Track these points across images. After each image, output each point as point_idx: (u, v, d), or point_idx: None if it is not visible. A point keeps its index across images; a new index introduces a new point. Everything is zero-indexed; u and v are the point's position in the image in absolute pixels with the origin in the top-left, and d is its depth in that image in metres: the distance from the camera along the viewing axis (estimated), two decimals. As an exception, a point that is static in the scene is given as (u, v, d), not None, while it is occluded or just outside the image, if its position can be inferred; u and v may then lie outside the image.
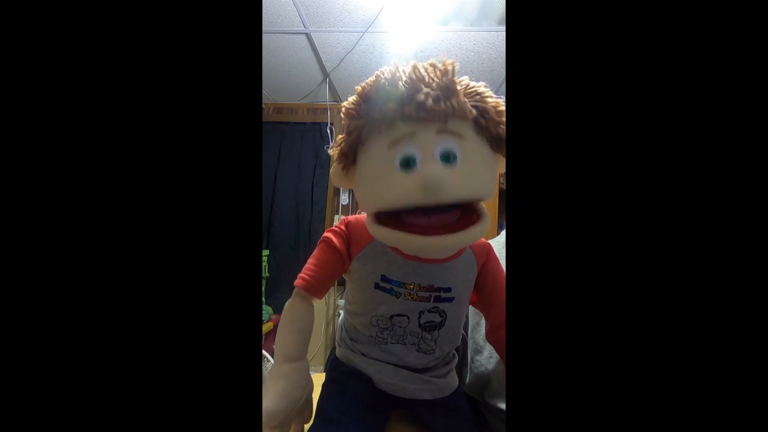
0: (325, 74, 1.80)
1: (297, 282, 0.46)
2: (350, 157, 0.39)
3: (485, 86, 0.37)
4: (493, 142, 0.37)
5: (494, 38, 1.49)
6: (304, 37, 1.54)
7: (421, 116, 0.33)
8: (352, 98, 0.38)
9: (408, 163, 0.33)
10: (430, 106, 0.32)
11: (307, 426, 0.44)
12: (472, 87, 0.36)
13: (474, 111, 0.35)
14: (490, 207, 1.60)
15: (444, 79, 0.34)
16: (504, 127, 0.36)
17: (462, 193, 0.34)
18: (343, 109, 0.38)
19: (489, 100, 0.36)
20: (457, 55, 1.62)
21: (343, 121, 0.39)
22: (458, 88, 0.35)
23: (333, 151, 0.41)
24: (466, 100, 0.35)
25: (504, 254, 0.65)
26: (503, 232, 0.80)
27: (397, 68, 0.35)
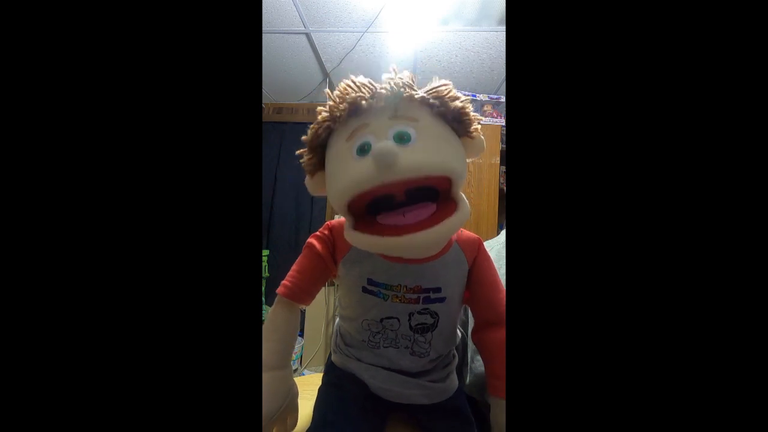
0: (325, 74, 1.80)
1: (279, 290, 0.46)
2: (315, 162, 0.40)
3: (438, 80, 0.38)
4: (455, 125, 0.38)
5: (494, 38, 1.49)
6: (304, 37, 1.54)
7: (371, 107, 0.35)
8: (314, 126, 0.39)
9: (364, 149, 0.34)
10: (378, 91, 0.35)
11: None
12: (431, 87, 0.37)
13: (423, 94, 0.36)
14: (490, 207, 1.60)
15: (393, 80, 0.36)
16: (460, 105, 0.37)
17: (419, 165, 0.33)
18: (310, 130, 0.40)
19: (441, 89, 0.37)
20: (457, 55, 1.62)
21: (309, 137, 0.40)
22: (411, 82, 0.36)
23: (304, 164, 0.41)
24: (420, 91, 0.36)
25: (504, 254, 0.65)
26: (503, 232, 0.80)
27: (349, 82, 0.37)
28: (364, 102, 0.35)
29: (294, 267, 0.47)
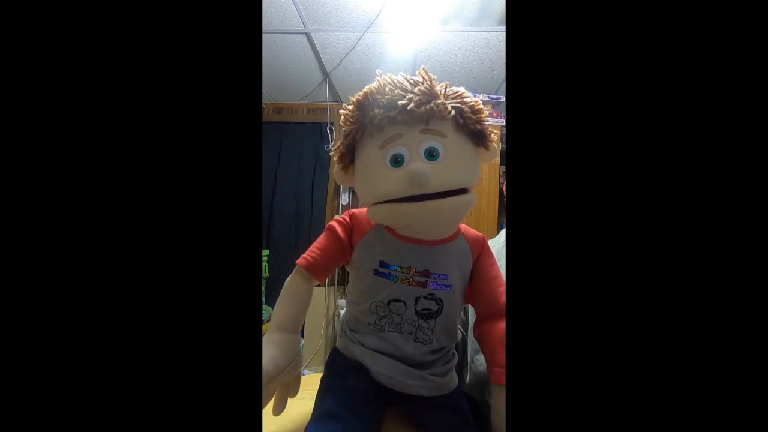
0: (325, 74, 1.80)
1: (299, 261, 0.48)
2: (348, 157, 0.45)
3: (464, 90, 0.43)
4: (473, 137, 0.43)
5: (494, 38, 1.49)
6: (304, 37, 1.55)
7: (405, 119, 0.39)
8: (348, 106, 0.44)
9: (397, 161, 0.40)
10: (412, 108, 0.38)
11: (290, 399, 0.46)
12: (452, 91, 0.42)
13: (453, 111, 0.40)
14: (490, 207, 1.60)
15: (424, 85, 0.40)
16: (481, 123, 0.42)
17: (445, 183, 0.39)
18: (341, 116, 0.44)
19: (467, 100, 0.42)
20: (457, 55, 1.62)
21: (342, 126, 0.45)
22: (438, 90, 0.40)
23: (333, 153, 0.46)
24: (446, 102, 0.40)
25: (504, 253, 0.65)
26: (503, 232, 0.80)
27: (384, 80, 0.42)
28: (399, 116, 0.39)
29: (314, 245, 0.50)
